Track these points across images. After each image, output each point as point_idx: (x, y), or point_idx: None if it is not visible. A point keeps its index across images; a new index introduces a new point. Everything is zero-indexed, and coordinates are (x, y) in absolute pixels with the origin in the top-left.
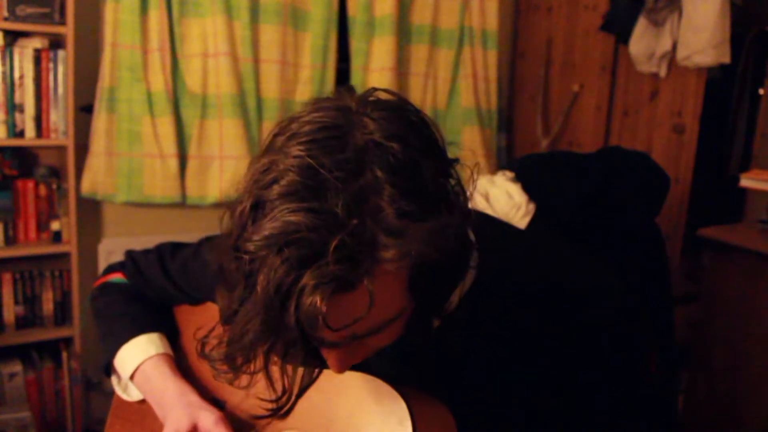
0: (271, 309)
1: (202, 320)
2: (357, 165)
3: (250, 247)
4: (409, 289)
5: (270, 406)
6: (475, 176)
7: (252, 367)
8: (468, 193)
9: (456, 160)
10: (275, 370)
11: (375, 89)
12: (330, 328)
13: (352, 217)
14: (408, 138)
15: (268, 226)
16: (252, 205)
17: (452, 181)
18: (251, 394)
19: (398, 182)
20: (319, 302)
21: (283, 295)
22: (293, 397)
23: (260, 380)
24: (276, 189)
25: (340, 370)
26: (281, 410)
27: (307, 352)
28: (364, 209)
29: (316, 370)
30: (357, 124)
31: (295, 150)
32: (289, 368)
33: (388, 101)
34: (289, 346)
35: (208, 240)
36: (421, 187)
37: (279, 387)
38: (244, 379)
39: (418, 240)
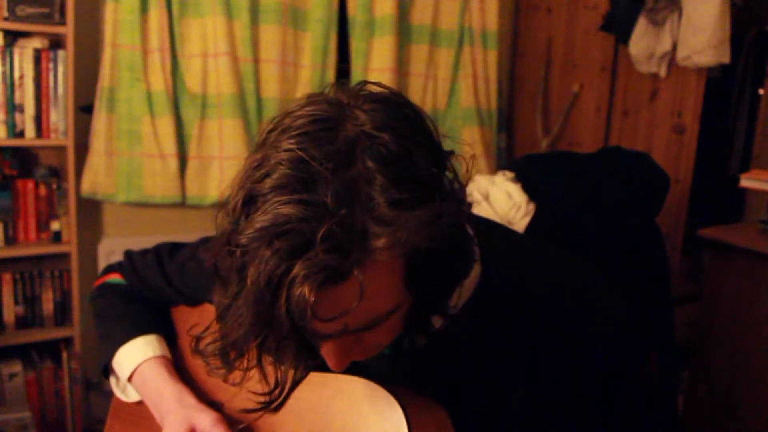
0: (261, 301)
1: (199, 321)
2: (347, 156)
3: (243, 240)
4: (406, 282)
5: (262, 399)
6: (469, 168)
7: (245, 362)
8: (465, 185)
9: (451, 152)
10: (268, 366)
11: (366, 82)
12: (320, 319)
13: (341, 207)
14: (399, 128)
15: (260, 219)
16: (244, 200)
17: (448, 174)
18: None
19: (389, 172)
20: (308, 293)
21: (273, 287)
22: (285, 391)
23: (254, 376)
24: (268, 183)
25: (337, 365)
26: (273, 404)
27: (299, 345)
28: (354, 199)
29: (309, 366)
30: (348, 116)
31: (287, 144)
32: (283, 363)
33: (380, 93)
34: (281, 339)
35: (206, 240)
36: (413, 177)
37: (272, 381)
38: (237, 375)
39: (410, 228)
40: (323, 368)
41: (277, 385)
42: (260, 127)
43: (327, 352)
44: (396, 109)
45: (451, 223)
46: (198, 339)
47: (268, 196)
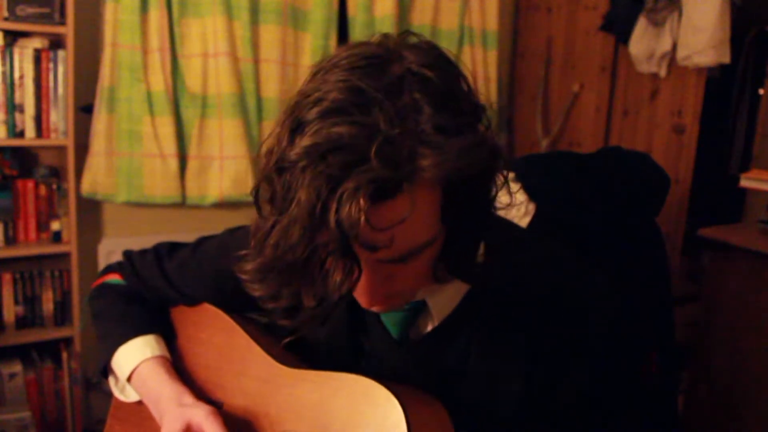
0: (312, 215)
1: (198, 321)
2: (397, 87)
3: (292, 156)
4: (443, 215)
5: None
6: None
7: (285, 287)
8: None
9: (484, 105)
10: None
11: (410, 32)
12: (371, 227)
13: (393, 128)
14: (443, 68)
15: (310, 139)
16: (292, 127)
17: (483, 123)
18: (246, 393)
19: (435, 103)
20: (362, 203)
21: (324, 200)
22: (330, 307)
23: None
24: (317, 108)
25: (370, 298)
26: (316, 320)
27: (345, 260)
28: (404, 123)
29: (352, 286)
30: (396, 56)
31: (337, 76)
32: (326, 281)
33: (423, 41)
34: (328, 255)
35: (205, 240)
36: (457, 111)
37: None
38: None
39: (455, 152)
40: (326, 366)
41: (320, 301)
42: (260, 127)
43: (361, 284)
44: (439, 55)
45: (488, 155)
46: (240, 260)
47: (318, 119)
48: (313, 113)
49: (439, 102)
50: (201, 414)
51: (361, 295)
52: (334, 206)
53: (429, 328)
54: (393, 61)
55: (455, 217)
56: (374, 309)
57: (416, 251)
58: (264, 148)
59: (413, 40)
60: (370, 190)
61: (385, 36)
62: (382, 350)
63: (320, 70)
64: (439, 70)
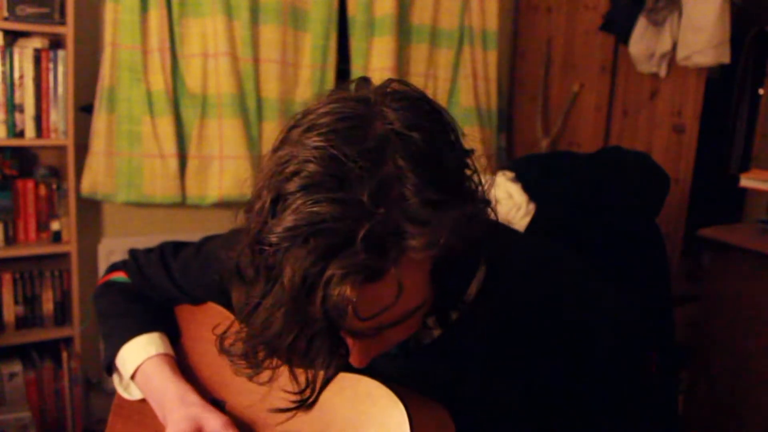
0: (296, 300)
1: (203, 320)
2: (379, 155)
3: (273, 239)
4: (431, 279)
5: (293, 398)
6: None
7: (273, 362)
8: (485, 184)
9: (472, 151)
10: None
11: (392, 80)
12: (359, 318)
13: (377, 206)
14: (428, 128)
15: (291, 218)
16: (272, 199)
17: (469, 171)
18: (246, 393)
19: (420, 171)
20: (348, 291)
21: (309, 286)
22: (317, 390)
23: (280, 375)
24: (297, 181)
25: (362, 362)
26: (306, 402)
27: (331, 344)
28: (389, 198)
29: (339, 365)
30: (377, 115)
31: (315, 141)
32: (313, 361)
33: (405, 91)
34: (313, 337)
35: (209, 239)
36: (444, 176)
37: (302, 380)
38: (265, 375)
39: (445, 229)
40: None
41: (308, 384)
42: (260, 127)
43: (354, 349)
44: (422, 108)
45: (481, 223)
46: (222, 338)
47: (298, 195)
48: (292, 186)
49: (424, 170)
50: (218, 423)
51: (354, 358)
52: (320, 294)
53: (428, 338)
54: (374, 119)
55: (444, 279)
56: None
57: (407, 316)
58: (245, 213)
59: (396, 87)
60: (358, 278)
61: (366, 85)
62: (381, 360)
63: (297, 126)
64: (422, 131)
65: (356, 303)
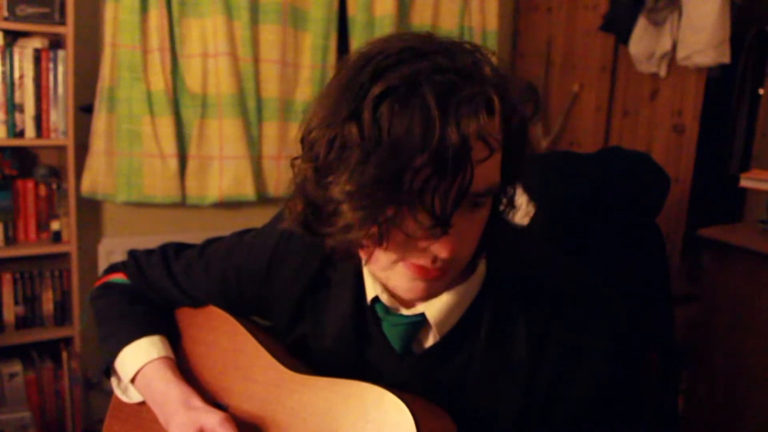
0: (429, 125)
1: (204, 323)
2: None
3: (395, 81)
4: (502, 161)
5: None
6: None
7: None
8: None
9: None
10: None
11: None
12: (484, 141)
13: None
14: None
15: (407, 69)
16: (369, 76)
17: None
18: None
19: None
20: (477, 112)
21: (443, 110)
22: (449, 210)
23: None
24: (394, 58)
25: (453, 248)
26: (441, 225)
27: (442, 185)
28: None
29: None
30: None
31: (395, 41)
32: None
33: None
34: (424, 181)
35: (212, 242)
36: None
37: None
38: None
39: (516, 90)
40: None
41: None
42: (260, 127)
43: (442, 240)
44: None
45: (532, 105)
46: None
47: (403, 63)
48: (391, 60)
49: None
50: (215, 420)
51: (442, 245)
52: (452, 118)
53: (430, 341)
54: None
55: (504, 177)
56: (421, 290)
57: (490, 191)
58: (314, 107)
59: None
60: (484, 104)
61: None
62: (385, 363)
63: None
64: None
65: (481, 129)
